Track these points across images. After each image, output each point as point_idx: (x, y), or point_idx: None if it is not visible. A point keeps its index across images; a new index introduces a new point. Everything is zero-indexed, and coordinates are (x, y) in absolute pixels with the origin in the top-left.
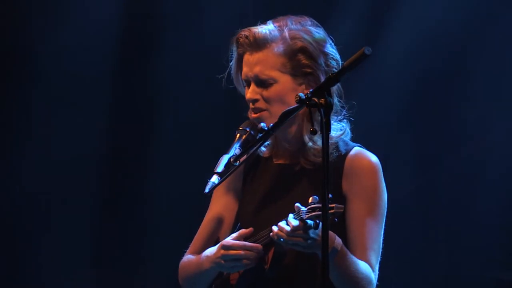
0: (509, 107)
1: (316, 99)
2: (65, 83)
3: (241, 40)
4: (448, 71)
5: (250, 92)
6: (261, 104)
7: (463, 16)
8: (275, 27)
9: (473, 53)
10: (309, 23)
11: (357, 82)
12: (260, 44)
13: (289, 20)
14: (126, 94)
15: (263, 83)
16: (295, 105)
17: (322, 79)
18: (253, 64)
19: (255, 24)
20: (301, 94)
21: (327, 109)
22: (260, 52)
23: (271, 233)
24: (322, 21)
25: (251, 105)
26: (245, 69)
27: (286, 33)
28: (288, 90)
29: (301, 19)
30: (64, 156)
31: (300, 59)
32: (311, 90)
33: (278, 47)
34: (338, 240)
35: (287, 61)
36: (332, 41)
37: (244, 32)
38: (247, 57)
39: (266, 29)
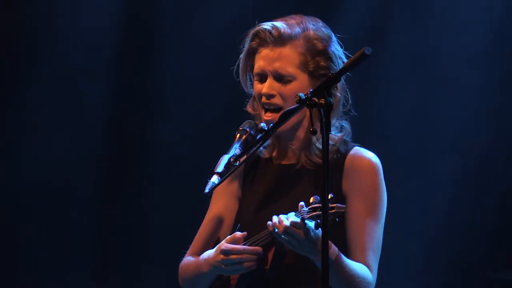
0: None
1: (316, 99)
2: (65, 83)
3: (262, 34)
4: None
5: (267, 87)
6: (276, 100)
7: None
8: (297, 24)
9: None
10: (321, 24)
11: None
12: (284, 39)
13: (306, 20)
14: (126, 94)
15: (281, 79)
16: (295, 105)
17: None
18: (274, 59)
19: (254, 24)
20: (301, 94)
21: (327, 109)
22: (283, 48)
23: (269, 222)
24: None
25: (264, 100)
26: (262, 63)
27: (310, 32)
28: (305, 89)
29: (314, 19)
30: (63, 156)
31: (319, 61)
32: (311, 90)
33: (301, 45)
34: (334, 249)
35: (308, 60)
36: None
37: (266, 27)
38: (266, 51)
39: (290, 25)
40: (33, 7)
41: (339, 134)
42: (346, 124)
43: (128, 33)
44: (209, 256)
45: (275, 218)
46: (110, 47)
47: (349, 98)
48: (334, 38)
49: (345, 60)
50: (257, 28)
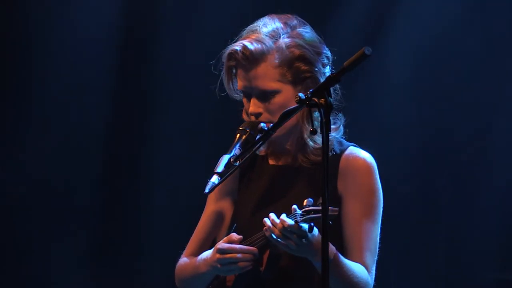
0: None
1: (316, 99)
2: (65, 83)
3: (235, 56)
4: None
5: (252, 107)
6: (264, 117)
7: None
8: (267, 36)
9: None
10: (296, 22)
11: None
12: (257, 58)
13: (278, 24)
14: (126, 93)
15: (264, 96)
16: (295, 105)
17: (321, 79)
18: (252, 78)
19: (253, 23)
20: (301, 94)
21: (327, 109)
22: (258, 66)
23: (267, 221)
24: (322, 21)
25: (253, 118)
26: (242, 83)
27: (282, 43)
28: (290, 98)
29: (288, 19)
30: (63, 156)
31: (299, 66)
32: (311, 90)
33: (275, 58)
34: (332, 248)
35: (286, 70)
36: (320, 35)
37: (237, 47)
38: (242, 72)
39: (260, 41)
40: (33, 5)
41: (333, 127)
42: (339, 121)
43: (128, 33)
44: (207, 257)
45: (267, 222)
46: (111, 46)
47: (341, 96)
48: (310, 36)
49: (328, 53)
50: (229, 49)
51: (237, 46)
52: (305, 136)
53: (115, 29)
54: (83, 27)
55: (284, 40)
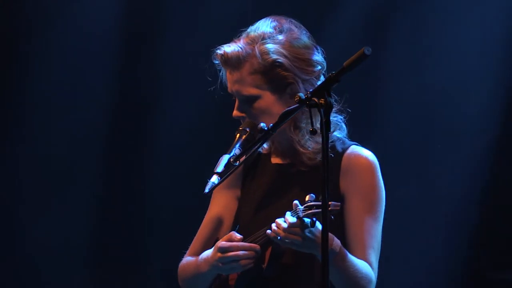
0: None
1: (316, 99)
2: (65, 82)
3: (218, 58)
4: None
5: (236, 110)
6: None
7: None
8: (245, 44)
9: None
10: (287, 26)
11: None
12: (234, 63)
13: (268, 29)
14: (126, 93)
15: (245, 100)
16: (295, 105)
17: (302, 87)
18: (234, 82)
19: (253, 23)
20: (301, 94)
21: (327, 109)
22: (237, 71)
23: (268, 231)
24: (322, 21)
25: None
26: (228, 84)
27: (257, 50)
28: (272, 104)
29: (282, 23)
30: (63, 155)
31: (277, 72)
32: (310, 90)
33: (252, 64)
34: (337, 242)
35: (262, 77)
36: (318, 37)
37: (219, 50)
38: (228, 74)
39: (238, 47)
40: (33, 3)
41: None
42: (340, 120)
43: (128, 33)
44: (208, 256)
45: (273, 225)
46: (111, 45)
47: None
48: (297, 43)
49: (320, 59)
50: (215, 51)
51: (218, 49)
52: (306, 136)
53: (116, 29)
54: (84, 26)
55: (263, 47)
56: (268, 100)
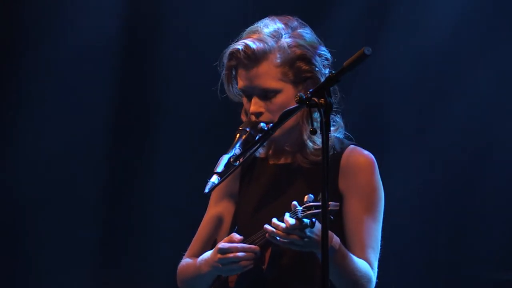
0: None
1: (316, 99)
2: (65, 83)
3: (236, 54)
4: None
5: (254, 106)
6: (265, 117)
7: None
8: (269, 36)
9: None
10: (296, 24)
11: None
12: (259, 57)
13: (279, 25)
14: (126, 93)
15: (265, 96)
16: (295, 105)
17: (321, 80)
18: (253, 77)
19: (253, 23)
20: (301, 94)
21: (327, 109)
22: (259, 65)
23: (266, 234)
24: (321, 21)
25: (253, 118)
26: (243, 82)
27: (284, 42)
28: (291, 98)
29: (288, 20)
30: (64, 156)
31: (300, 66)
32: (310, 90)
33: (277, 58)
34: (336, 239)
35: (288, 70)
36: (319, 36)
37: (240, 46)
38: (244, 71)
39: (262, 41)
40: (33, 4)
41: (332, 128)
42: (338, 119)
43: (129, 32)
44: (208, 257)
45: (269, 227)
46: (112, 46)
47: (338, 96)
48: (310, 37)
49: (328, 55)
50: (231, 48)
51: (239, 45)
52: (305, 136)
53: (117, 29)
54: (84, 27)
55: (285, 40)
56: (288, 94)
